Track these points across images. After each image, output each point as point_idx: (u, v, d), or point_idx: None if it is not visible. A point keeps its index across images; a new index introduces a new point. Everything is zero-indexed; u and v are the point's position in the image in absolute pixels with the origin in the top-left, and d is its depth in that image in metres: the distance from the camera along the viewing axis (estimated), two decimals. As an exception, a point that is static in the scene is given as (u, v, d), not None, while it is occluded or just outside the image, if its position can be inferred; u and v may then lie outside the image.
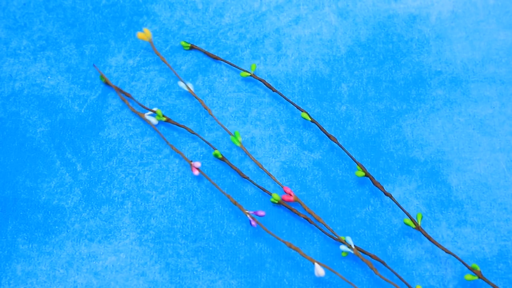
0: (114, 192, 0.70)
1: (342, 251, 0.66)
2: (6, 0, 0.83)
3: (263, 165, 0.71)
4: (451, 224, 0.67)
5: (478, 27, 0.79)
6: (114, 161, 0.72)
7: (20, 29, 0.81)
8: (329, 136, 0.71)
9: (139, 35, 0.74)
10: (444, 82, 0.75)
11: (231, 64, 0.77)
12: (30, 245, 0.68)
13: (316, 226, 0.67)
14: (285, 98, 0.73)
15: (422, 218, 0.67)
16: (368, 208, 0.69)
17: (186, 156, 0.72)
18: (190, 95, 0.76)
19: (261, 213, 0.66)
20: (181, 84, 0.73)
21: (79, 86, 0.77)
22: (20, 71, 0.78)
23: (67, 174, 0.71)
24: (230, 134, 0.71)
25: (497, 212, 0.68)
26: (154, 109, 0.74)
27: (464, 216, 0.68)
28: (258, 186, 0.69)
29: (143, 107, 0.74)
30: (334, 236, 0.67)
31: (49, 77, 0.77)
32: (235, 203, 0.67)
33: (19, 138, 0.74)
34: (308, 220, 0.67)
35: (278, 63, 0.77)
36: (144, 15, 0.81)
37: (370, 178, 0.68)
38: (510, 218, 0.67)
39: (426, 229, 0.67)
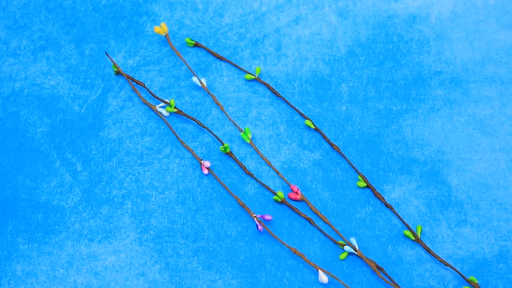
0: (114, 192, 0.70)
1: (341, 253, 0.66)
2: (6, 0, 0.83)
3: (264, 165, 0.71)
4: (451, 224, 0.67)
5: (478, 27, 0.79)
6: (114, 161, 0.72)
7: (20, 29, 0.81)
8: (332, 145, 0.71)
9: (156, 29, 0.75)
10: (444, 82, 0.75)
11: (235, 65, 0.77)
12: (30, 245, 0.68)
13: (318, 228, 0.67)
14: (290, 105, 0.74)
15: (422, 230, 0.67)
16: (368, 208, 0.69)
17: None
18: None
19: (268, 217, 0.66)
20: (194, 79, 0.74)
21: (79, 86, 0.77)
22: (20, 71, 0.78)
23: (67, 174, 0.71)
24: (241, 130, 0.72)
25: (497, 212, 0.68)
26: (167, 100, 0.74)
27: (464, 216, 0.68)
28: (263, 184, 0.69)
29: (156, 97, 0.74)
30: (339, 237, 0.67)
31: (49, 77, 0.77)
32: (242, 205, 0.67)
33: (19, 138, 0.74)
34: (310, 222, 0.67)
35: (278, 63, 0.77)
36: (144, 15, 0.81)
37: (371, 189, 0.69)
38: (510, 218, 0.67)
39: (426, 229, 0.67)
